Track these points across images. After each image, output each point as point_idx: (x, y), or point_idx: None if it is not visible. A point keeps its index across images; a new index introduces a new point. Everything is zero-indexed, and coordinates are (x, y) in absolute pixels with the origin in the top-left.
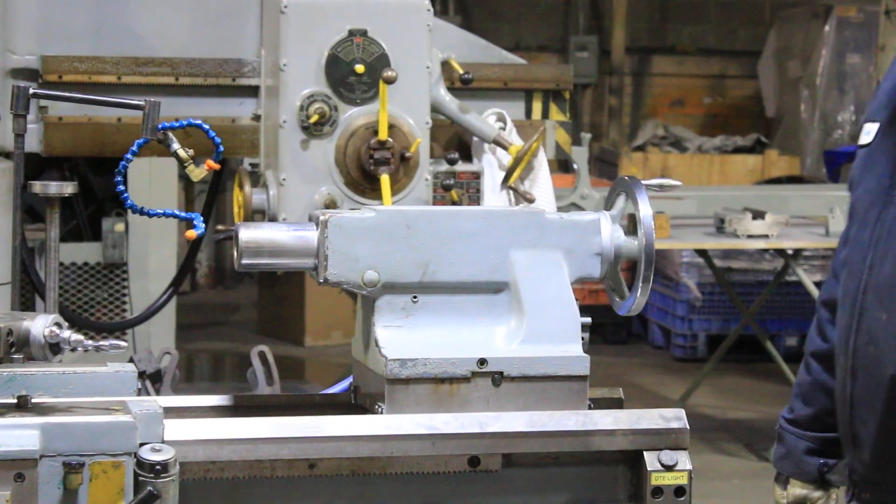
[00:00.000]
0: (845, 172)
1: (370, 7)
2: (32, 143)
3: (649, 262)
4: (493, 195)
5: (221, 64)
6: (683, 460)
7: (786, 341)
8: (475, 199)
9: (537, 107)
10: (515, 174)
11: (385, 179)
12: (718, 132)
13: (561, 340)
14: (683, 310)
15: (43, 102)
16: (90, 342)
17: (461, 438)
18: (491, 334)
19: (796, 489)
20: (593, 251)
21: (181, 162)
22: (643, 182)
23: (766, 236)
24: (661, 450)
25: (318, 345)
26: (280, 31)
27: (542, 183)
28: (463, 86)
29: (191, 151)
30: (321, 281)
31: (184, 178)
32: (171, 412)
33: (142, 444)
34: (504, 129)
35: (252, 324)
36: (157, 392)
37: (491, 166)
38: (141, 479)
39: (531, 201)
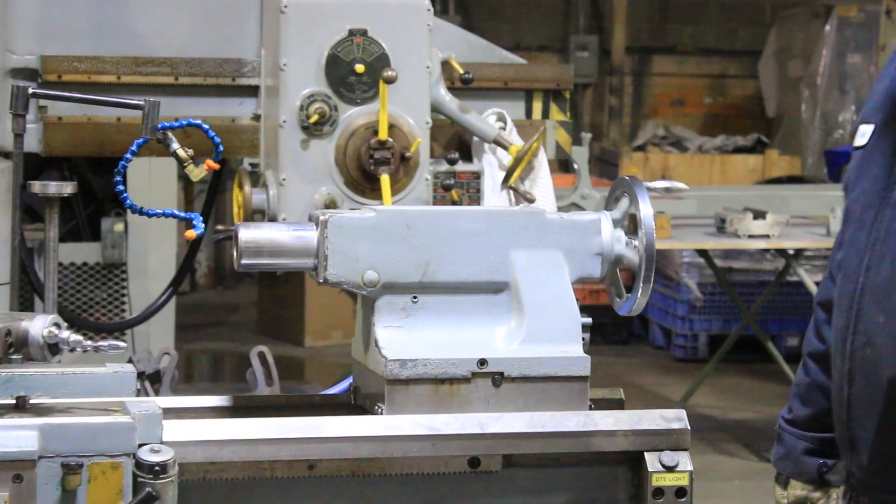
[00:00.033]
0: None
1: (370, 7)
2: (32, 143)
3: (650, 262)
4: (494, 195)
5: (221, 64)
6: (684, 461)
7: (787, 342)
8: (475, 199)
9: (538, 107)
10: (516, 174)
11: (385, 179)
12: (719, 132)
13: (561, 341)
14: (684, 310)
15: (42, 102)
16: (89, 342)
17: (461, 439)
18: (491, 335)
19: (796, 489)
20: (594, 251)
21: (181, 162)
22: (648, 184)
23: (767, 236)
24: (661, 450)
25: (317, 345)
26: (280, 31)
27: (542, 183)
28: (463, 85)
29: (190, 151)
30: (321, 281)
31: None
32: (170, 413)
33: (141, 445)
34: (504, 128)
35: (252, 324)
36: (156, 393)
37: (491, 166)
38: (140, 480)
39: (531, 201)
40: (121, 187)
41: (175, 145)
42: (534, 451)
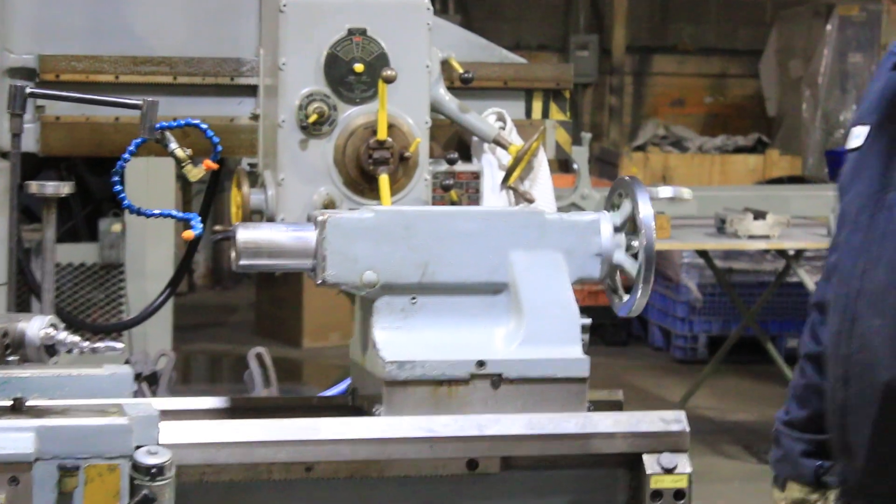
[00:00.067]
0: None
1: (370, 6)
2: (29, 143)
3: (649, 263)
4: (493, 195)
5: (220, 63)
6: (683, 463)
7: (787, 343)
8: (474, 199)
9: (537, 106)
10: (515, 174)
11: (384, 179)
12: (719, 132)
13: (560, 342)
14: (684, 311)
15: (40, 102)
16: (86, 344)
17: (459, 441)
18: (490, 336)
19: (794, 492)
20: (593, 252)
21: (179, 162)
22: (652, 191)
23: (768, 237)
24: (660, 452)
25: (315, 346)
26: (279, 30)
27: (541, 183)
28: (463, 85)
29: (189, 151)
30: (319, 282)
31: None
32: (167, 414)
33: (138, 447)
34: (504, 128)
35: (250, 325)
36: (154, 394)
37: (490, 166)
38: (137, 482)
39: (531, 201)
40: (119, 187)
41: (173, 145)
42: (532, 453)
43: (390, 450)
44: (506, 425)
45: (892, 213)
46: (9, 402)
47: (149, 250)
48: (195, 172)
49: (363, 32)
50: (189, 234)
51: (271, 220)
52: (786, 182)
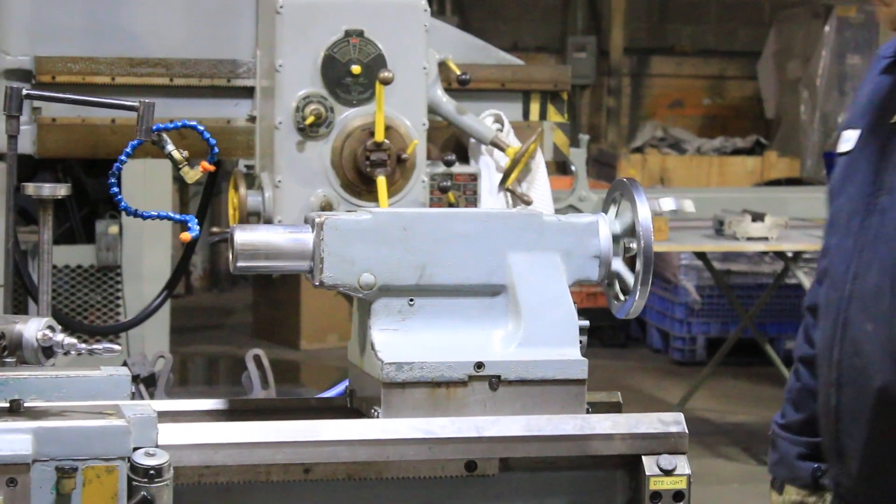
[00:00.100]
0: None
1: (367, 7)
2: (26, 145)
3: (648, 264)
4: (491, 197)
5: (216, 65)
6: (682, 465)
7: (785, 344)
8: (472, 201)
9: (535, 108)
10: (513, 176)
11: (381, 181)
12: (717, 133)
13: (559, 344)
14: (682, 313)
15: (36, 103)
16: (83, 345)
17: (458, 443)
18: (488, 338)
19: (791, 495)
20: (591, 254)
21: (176, 163)
22: (655, 203)
23: (766, 238)
24: (659, 454)
25: (313, 348)
26: (276, 32)
27: (539, 185)
28: (460, 87)
29: (185, 153)
30: (317, 284)
31: (178, 180)
32: (165, 416)
33: (135, 449)
34: (501, 130)
35: (247, 327)
36: (151, 396)
37: (488, 168)
38: (135, 483)
39: (528, 203)
40: (115, 189)
41: (170, 147)
42: (531, 455)
43: (389, 451)
44: (504, 427)
45: (884, 216)
46: (6, 404)
47: (146, 252)
48: (192, 174)
49: (360, 34)
50: (186, 235)
51: (268, 221)
52: (784, 184)
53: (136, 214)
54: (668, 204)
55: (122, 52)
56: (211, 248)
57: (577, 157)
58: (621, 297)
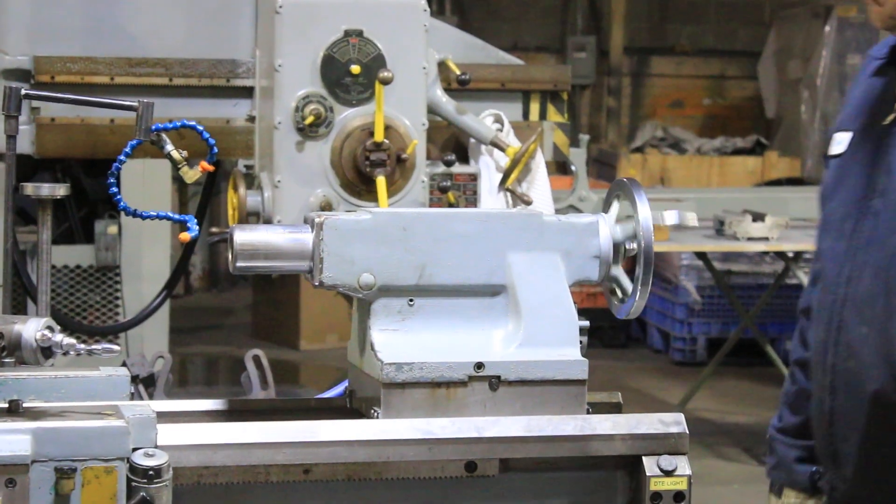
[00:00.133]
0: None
1: (366, 7)
2: (24, 145)
3: (648, 264)
4: (490, 197)
5: (216, 64)
6: (683, 465)
7: (786, 345)
8: (472, 201)
9: (535, 108)
10: (513, 176)
11: (381, 181)
12: (718, 133)
13: (559, 344)
14: (683, 313)
15: (35, 103)
16: (82, 346)
17: (458, 443)
18: (488, 338)
19: (790, 498)
20: (591, 254)
21: (175, 164)
22: (657, 213)
23: (766, 239)
24: (660, 455)
25: (313, 348)
26: (275, 32)
27: (539, 185)
28: (460, 87)
29: (184, 153)
30: (316, 284)
31: (177, 180)
32: (164, 417)
33: (135, 449)
34: (501, 130)
35: (247, 327)
36: (151, 396)
37: (488, 168)
38: (134, 484)
39: (528, 203)
40: (114, 189)
41: (169, 147)
42: (531, 456)
43: (388, 452)
44: (504, 427)
45: (878, 219)
46: (5, 405)
47: (145, 252)
48: (191, 174)
49: (360, 34)
50: (185, 236)
51: (268, 221)
52: (784, 184)
53: (135, 214)
54: (671, 217)
55: (122, 52)
56: (210, 249)
57: (577, 157)
58: (619, 295)
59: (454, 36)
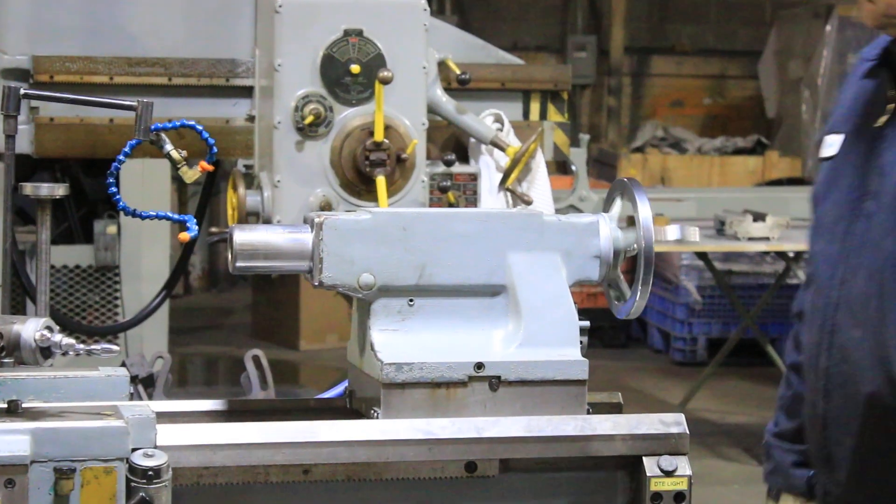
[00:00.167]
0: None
1: (366, 7)
2: (23, 145)
3: (648, 264)
4: (491, 197)
5: (215, 64)
6: (683, 465)
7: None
8: (472, 200)
9: (535, 107)
10: (513, 176)
11: (381, 181)
12: (718, 133)
13: (559, 344)
14: (683, 313)
15: (34, 103)
16: (81, 346)
17: (458, 443)
18: (488, 338)
19: (788, 503)
20: (592, 254)
21: (174, 163)
22: (660, 228)
23: (767, 238)
24: (660, 455)
25: (312, 349)
26: (274, 31)
27: (539, 185)
28: (460, 86)
29: (184, 153)
30: (316, 284)
31: (177, 180)
32: (163, 417)
33: (134, 450)
34: (501, 130)
35: (246, 327)
36: (150, 396)
37: (488, 168)
38: (133, 484)
39: (529, 203)
40: (113, 189)
41: (168, 147)
42: (531, 456)
43: (388, 452)
44: (504, 428)
45: (870, 221)
46: (4, 405)
47: (144, 252)
48: (191, 174)
49: (359, 33)
50: (185, 236)
51: (267, 221)
52: (785, 184)
53: (134, 214)
54: (673, 232)
55: (121, 52)
56: (210, 248)
57: (578, 157)
58: (622, 297)
59: (454, 35)
